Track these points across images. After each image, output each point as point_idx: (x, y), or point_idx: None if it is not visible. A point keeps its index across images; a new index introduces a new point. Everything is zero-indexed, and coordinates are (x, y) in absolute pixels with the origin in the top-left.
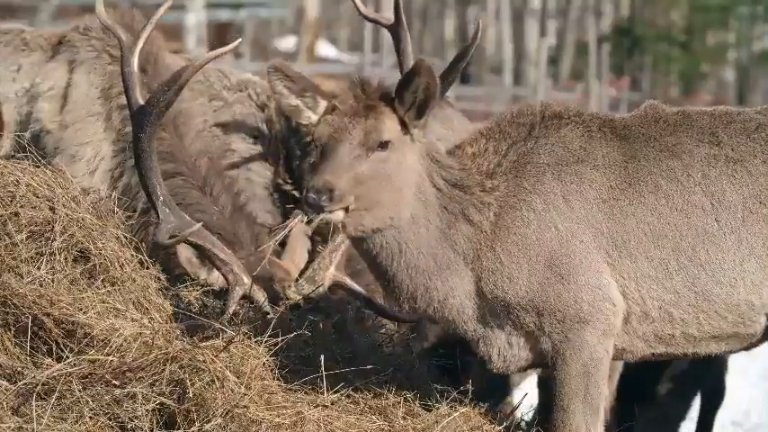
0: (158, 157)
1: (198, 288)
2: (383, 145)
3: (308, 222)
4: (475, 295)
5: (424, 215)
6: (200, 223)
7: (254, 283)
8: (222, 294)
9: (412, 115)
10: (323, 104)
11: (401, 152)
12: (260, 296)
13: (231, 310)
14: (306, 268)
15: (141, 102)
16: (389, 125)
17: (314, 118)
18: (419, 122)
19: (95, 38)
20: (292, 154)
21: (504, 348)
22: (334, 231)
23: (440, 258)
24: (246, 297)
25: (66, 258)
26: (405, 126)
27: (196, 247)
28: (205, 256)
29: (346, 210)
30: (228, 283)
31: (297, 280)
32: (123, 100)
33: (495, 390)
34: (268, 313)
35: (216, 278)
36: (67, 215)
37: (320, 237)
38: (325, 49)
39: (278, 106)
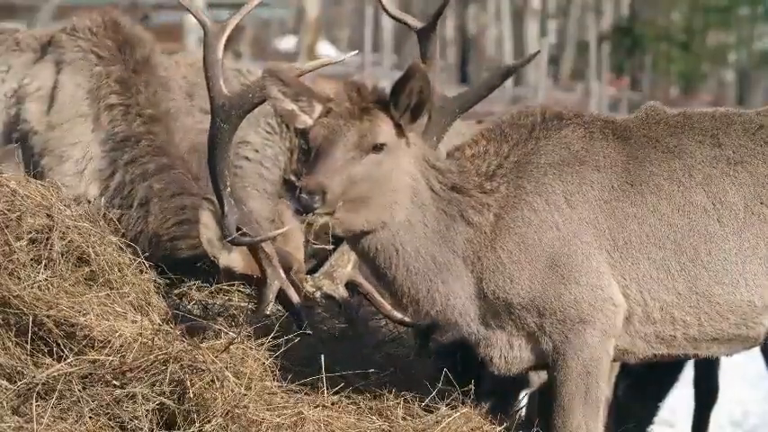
0: (150, 153)
1: (210, 284)
2: (378, 148)
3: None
4: (476, 297)
5: (420, 218)
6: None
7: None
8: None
9: (407, 119)
10: (318, 108)
11: (396, 155)
12: (294, 294)
13: (270, 304)
14: (321, 263)
15: (225, 92)
16: (384, 128)
17: (309, 122)
18: (414, 126)
19: (82, 38)
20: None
21: (506, 350)
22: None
23: (439, 261)
24: (282, 293)
25: (66, 263)
26: (400, 129)
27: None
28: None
29: (334, 212)
30: (267, 276)
31: (313, 273)
32: (111, 101)
33: (502, 390)
34: (268, 316)
35: (233, 260)
36: (65, 222)
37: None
38: (325, 49)
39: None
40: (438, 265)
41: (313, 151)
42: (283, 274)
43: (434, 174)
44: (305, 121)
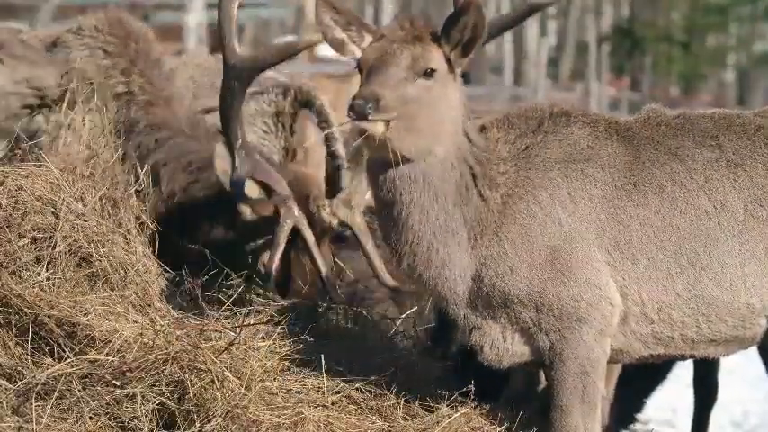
0: (151, 128)
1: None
2: (429, 73)
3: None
4: (470, 278)
5: (453, 161)
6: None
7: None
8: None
9: (458, 53)
10: (368, 38)
11: (445, 85)
12: (309, 236)
13: (281, 243)
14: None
15: (238, 51)
16: (436, 55)
17: (358, 53)
18: (463, 61)
19: (88, 36)
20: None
21: (498, 341)
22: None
23: (449, 219)
24: (296, 230)
25: (69, 262)
26: (450, 64)
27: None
28: (263, 187)
29: (387, 124)
30: (280, 215)
31: (331, 199)
32: (118, 90)
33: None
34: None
35: (250, 190)
36: (70, 221)
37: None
38: (325, 49)
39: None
40: (446, 224)
41: (364, 73)
42: (297, 212)
43: (470, 125)
44: (353, 51)
